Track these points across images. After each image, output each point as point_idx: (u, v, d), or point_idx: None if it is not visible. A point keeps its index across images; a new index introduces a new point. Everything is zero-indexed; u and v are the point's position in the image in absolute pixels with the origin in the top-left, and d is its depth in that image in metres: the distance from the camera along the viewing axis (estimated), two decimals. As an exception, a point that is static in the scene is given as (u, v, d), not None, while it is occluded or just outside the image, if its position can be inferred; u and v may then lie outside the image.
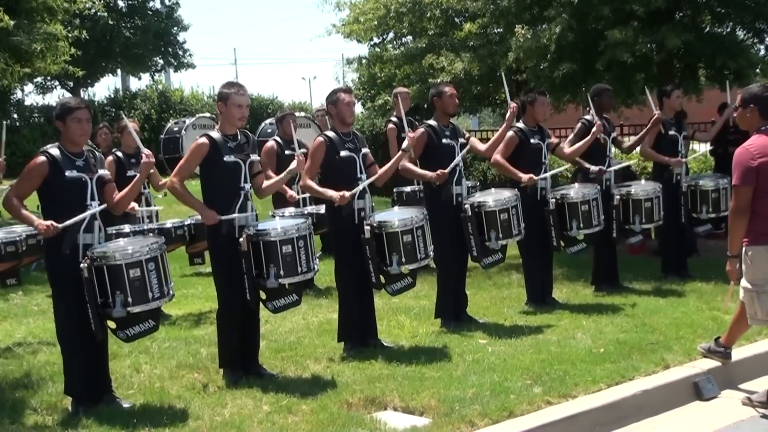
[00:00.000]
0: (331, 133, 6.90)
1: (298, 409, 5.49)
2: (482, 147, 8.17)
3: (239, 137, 6.27)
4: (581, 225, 8.19)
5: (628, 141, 9.88)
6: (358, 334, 6.93)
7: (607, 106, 9.13)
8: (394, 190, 10.35)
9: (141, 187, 8.72)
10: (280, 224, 6.18)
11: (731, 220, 5.87)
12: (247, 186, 6.20)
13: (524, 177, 8.02)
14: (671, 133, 9.32)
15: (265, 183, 6.53)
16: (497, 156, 8.18)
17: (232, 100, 6.18)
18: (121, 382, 6.14)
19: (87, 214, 5.59)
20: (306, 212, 8.86)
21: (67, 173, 5.56)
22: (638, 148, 9.51)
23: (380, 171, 6.98)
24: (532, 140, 8.18)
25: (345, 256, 6.89)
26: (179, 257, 9.93)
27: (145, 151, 5.84)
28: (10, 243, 7.50)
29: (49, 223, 5.43)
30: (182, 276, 10.52)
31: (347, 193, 6.67)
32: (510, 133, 8.27)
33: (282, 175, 6.63)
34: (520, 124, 8.30)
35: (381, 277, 6.83)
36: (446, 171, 7.40)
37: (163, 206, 9.49)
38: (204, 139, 6.17)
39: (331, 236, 7.13)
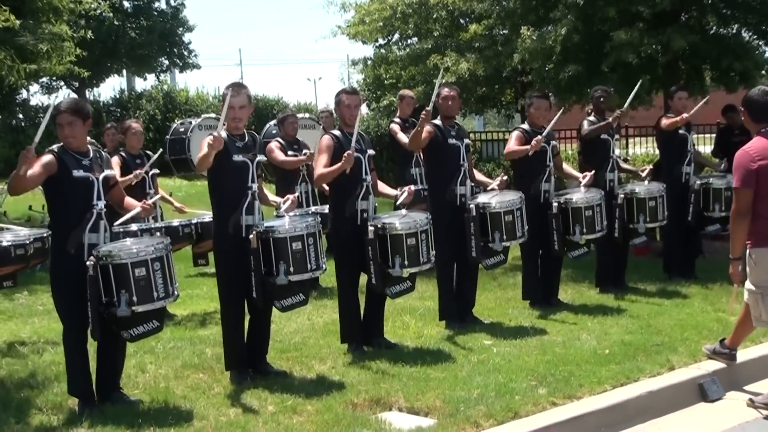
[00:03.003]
0: (338, 132, 6.90)
1: (303, 409, 5.49)
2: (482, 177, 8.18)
3: (246, 137, 6.27)
4: (584, 230, 8.17)
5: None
6: (361, 334, 6.94)
7: (599, 106, 9.10)
8: (398, 189, 10.33)
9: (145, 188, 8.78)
10: (289, 221, 6.18)
11: (732, 222, 5.88)
12: (255, 186, 6.20)
13: (531, 144, 7.94)
14: (681, 132, 9.32)
15: (268, 195, 6.54)
16: (506, 151, 8.23)
17: (227, 102, 6.19)
18: (126, 382, 6.14)
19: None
20: (310, 212, 8.87)
21: (74, 172, 5.57)
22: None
23: (383, 189, 7.10)
24: (536, 142, 8.17)
25: (346, 257, 6.89)
26: (184, 258, 9.94)
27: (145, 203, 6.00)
28: (20, 246, 7.50)
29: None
30: (187, 276, 10.53)
31: (349, 153, 6.60)
32: (516, 132, 8.30)
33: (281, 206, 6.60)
34: (525, 126, 8.32)
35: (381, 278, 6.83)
36: (429, 109, 7.13)
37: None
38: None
39: (333, 236, 7.14)
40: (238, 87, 6.27)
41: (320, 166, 6.80)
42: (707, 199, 9.29)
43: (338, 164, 6.64)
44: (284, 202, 6.43)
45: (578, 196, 8.24)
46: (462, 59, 16.10)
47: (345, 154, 6.59)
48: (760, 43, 12.83)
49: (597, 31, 12.01)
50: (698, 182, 9.32)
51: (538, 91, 8.82)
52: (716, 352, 6.38)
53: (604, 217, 8.32)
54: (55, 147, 5.67)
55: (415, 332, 7.49)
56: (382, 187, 7.15)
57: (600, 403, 5.60)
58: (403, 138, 9.54)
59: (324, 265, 6.35)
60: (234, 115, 6.19)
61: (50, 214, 5.73)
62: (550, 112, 8.44)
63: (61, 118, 5.65)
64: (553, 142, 8.39)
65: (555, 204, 8.13)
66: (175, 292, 5.76)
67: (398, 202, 6.95)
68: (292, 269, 6.07)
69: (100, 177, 5.69)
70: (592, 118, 9.06)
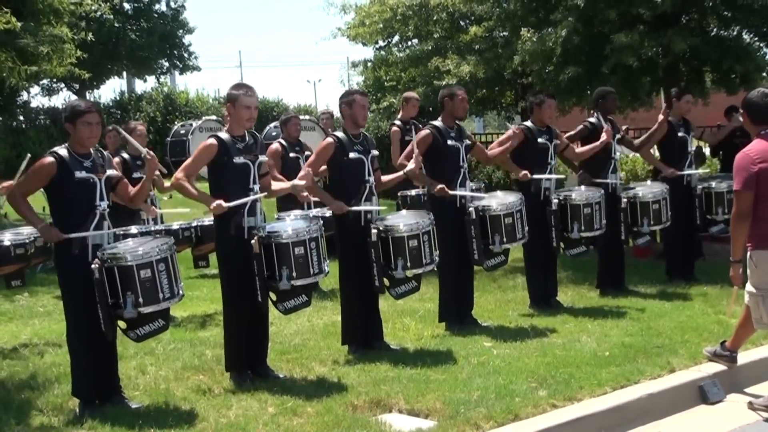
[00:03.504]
0: (340, 134, 6.88)
1: (303, 411, 5.49)
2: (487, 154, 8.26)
3: (247, 138, 6.27)
4: (582, 227, 8.19)
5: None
6: (362, 337, 6.93)
7: (610, 108, 9.11)
8: (399, 193, 10.34)
9: (150, 186, 8.78)
10: (291, 226, 6.18)
11: (733, 225, 5.89)
12: (256, 187, 6.20)
13: (521, 173, 8.07)
14: (680, 135, 9.33)
15: (274, 185, 6.53)
16: (495, 149, 8.28)
17: (241, 102, 6.18)
18: (127, 384, 6.15)
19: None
20: (312, 215, 8.86)
21: (77, 174, 5.58)
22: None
23: (386, 179, 7.10)
24: (539, 140, 8.18)
25: (349, 259, 6.89)
26: (183, 259, 9.92)
27: (149, 152, 5.93)
28: (20, 245, 7.52)
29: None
30: (187, 278, 10.51)
31: (350, 208, 6.72)
32: (515, 128, 8.31)
33: (289, 184, 6.61)
34: (528, 123, 8.33)
35: (385, 280, 6.83)
36: (450, 193, 7.41)
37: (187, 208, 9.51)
38: (212, 141, 6.16)
39: (337, 238, 7.14)
40: (249, 88, 6.29)
41: (309, 167, 6.75)
42: (710, 203, 9.34)
43: (333, 200, 6.76)
44: (300, 179, 6.42)
45: (577, 193, 8.27)
46: (463, 62, 16.10)
47: (339, 207, 6.73)
48: (761, 45, 12.80)
49: (597, 33, 11.99)
50: (699, 186, 9.35)
51: (546, 91, 8.85)
52: (717, 354, 6.38)
53: (603, 215, 8.33)
54: (56, 149, 5.67)
55: (415, 334, 7.49)
56: (386, 177, 7.13)
57: (600, 405, 5.59)
58: (395, 153, 9.65)
59: (327, 269, 6.35)
60: (249, 116, 6.21)
61: (53, 215, 5.73)
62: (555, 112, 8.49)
63: (91, 117, 5.66)
64: (556, 141, 8.39)
65: (554, 201, 8.15)
66: (180, 292, 5.78)
67: (406, 170, 7.00)
68: (295, 274, 6.08)
69: (103, 177, 5.70)
70: (593, 119, 9.05)
